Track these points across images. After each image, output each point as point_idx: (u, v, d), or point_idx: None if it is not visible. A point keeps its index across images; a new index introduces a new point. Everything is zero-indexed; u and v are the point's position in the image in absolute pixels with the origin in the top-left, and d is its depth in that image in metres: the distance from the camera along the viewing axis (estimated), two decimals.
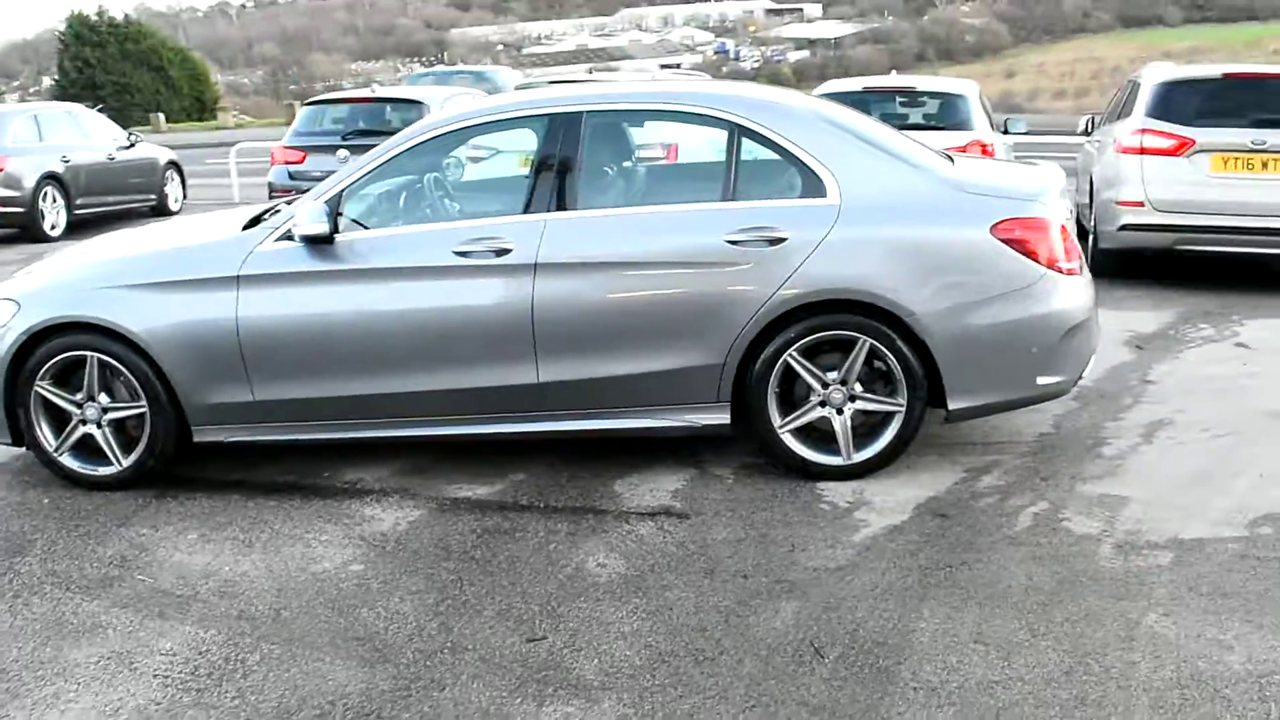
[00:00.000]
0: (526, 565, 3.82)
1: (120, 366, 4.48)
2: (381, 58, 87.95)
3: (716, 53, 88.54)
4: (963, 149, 7.54)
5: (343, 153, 9.74)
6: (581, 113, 4.42)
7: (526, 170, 4.58)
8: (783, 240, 4.21)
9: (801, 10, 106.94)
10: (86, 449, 4.63)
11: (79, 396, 4.55)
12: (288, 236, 4.42)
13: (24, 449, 4.77)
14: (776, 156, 4.34)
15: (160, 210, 13.40)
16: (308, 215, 4.32)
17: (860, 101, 7.64)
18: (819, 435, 4.39)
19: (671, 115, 4.59)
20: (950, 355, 4.22)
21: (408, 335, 4.36)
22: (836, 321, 4.24)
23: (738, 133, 4.34)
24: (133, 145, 12.98)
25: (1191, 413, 5.08)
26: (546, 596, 3.59)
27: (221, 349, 4.42)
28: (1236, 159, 7.21)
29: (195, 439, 4.59)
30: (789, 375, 4.32)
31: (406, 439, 4.58)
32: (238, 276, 4.40)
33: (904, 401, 4.28)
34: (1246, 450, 4.63)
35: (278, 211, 4.76)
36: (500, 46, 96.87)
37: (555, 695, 3.04)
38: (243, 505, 4.43)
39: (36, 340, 4.51)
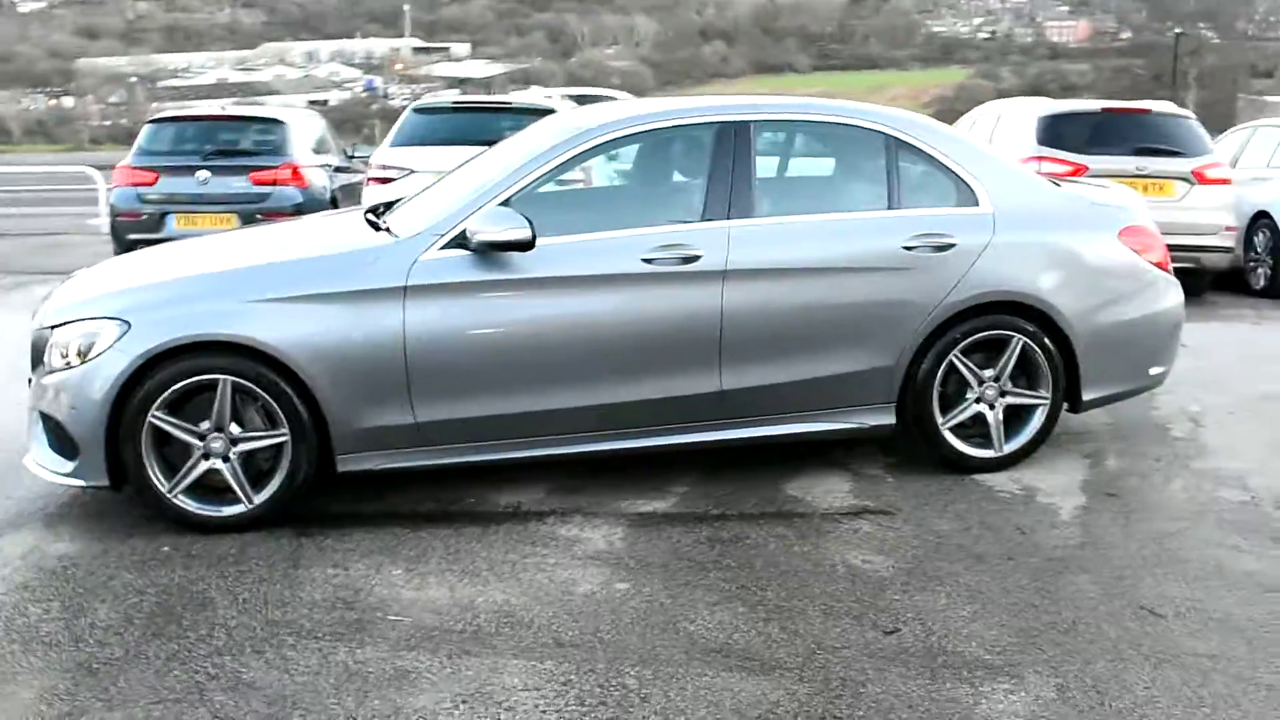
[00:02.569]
0: (795, 568, 3.77)
1: (259, 390, 3.95)
2: (2, 87, 79.20)
3: (365, 90, 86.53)
4: None
5: (203, 174, 8.93)
6: (750, 121, 4.44)
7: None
8: (951, 246, 4.44)
9: (449, 49, 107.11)
10: (201, 487, 4.04)
11: (203, 427, 3.96)
12: (456, 243, 4.10)
13: (113, 491, 4.11)
14: (931, 168, 4.57)
15: None
16: (495, 220, 4.04)
17: None
18: (965, 431, 4.64)
19: (832, 127, 4.70)
20: (1088, 349, 4.62)
21: (596, 346, 4.17)
22: (995, 322, 4.53)
23: (895, 145, 4.54)
24: None
25: (1204, 400, 5.78)
26: (850, 593, 3.58)
27: (385, 367, 4.02)
28: (1123, 184, 8.23)
29: (340, 469, 4.12)
30: (947, 375, 4.55)
31: (574, 456, 4.34)
32: (404, 287, 4.03)
33: (1048, 394, 4.63)
34: (1273, 425, 5.39)
35: (387, 212, 4.45)
36: (134, 79, 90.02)
37: (974, 677, 3.06)
38: (416, 537, 4.03)
39: (149, 364, 3.90)
